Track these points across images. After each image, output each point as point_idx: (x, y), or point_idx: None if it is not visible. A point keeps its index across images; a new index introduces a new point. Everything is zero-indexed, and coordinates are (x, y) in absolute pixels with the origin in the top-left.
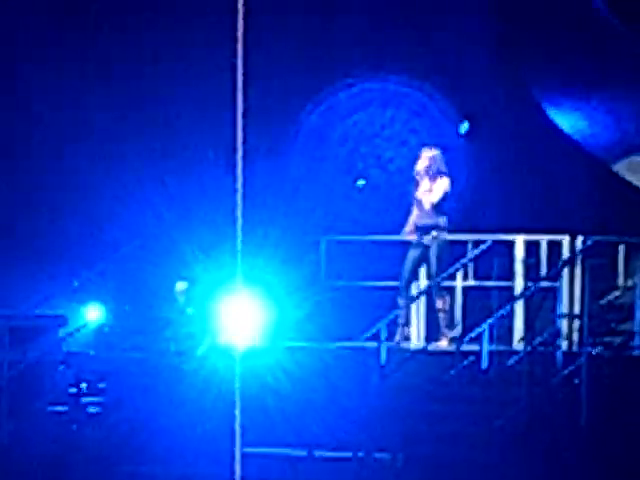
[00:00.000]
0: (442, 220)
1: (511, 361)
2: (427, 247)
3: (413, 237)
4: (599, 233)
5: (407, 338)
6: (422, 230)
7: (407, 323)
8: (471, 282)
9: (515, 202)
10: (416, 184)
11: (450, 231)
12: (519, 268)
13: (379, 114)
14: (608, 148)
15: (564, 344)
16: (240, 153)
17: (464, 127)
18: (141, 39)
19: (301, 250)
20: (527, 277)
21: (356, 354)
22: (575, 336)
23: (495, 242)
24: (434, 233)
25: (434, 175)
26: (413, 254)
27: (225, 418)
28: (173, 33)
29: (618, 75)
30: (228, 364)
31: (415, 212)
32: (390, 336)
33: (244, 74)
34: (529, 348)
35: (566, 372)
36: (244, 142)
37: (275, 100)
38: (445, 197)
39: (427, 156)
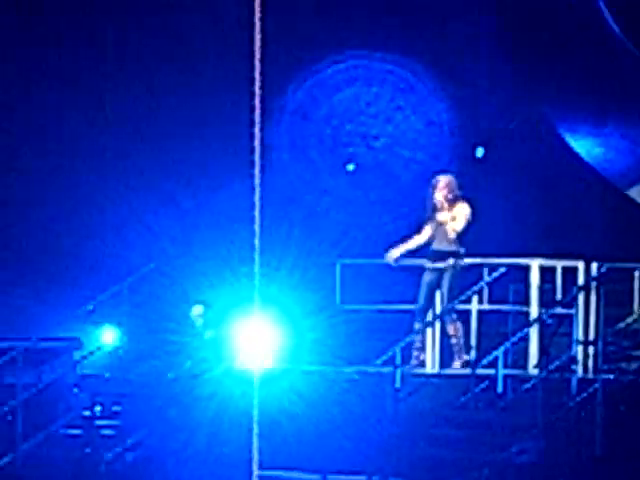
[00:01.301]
0: (461, 248)
1: (526, 386)
2: (443, 272)
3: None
4: (614, 259)
5: (422, 363)
6: (440, 255)
7: (422, 348)
8: (486, 306)
9: (531, 227)
10: (434, 209)
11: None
12: (534, 293)
13: (364, 91)
14: (623, 173)
15: (579, 370)
16: (258, 176)
17: (480, 152)
18: (141, 48)
19: (317, 272)
20: (542, 302)
21: (371, 378)
22: (590, 362)
23: (510, 267)
24: (451, 261)
25: (452, 201)
26: (429, 278)
27: (240, 442)
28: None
29: (633, 100)
30: (244, 388)
31: (424, 236)
32: (405, 360)
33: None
34: (544, 374)
35: (581, 398)
36: (262, 164)
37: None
38: (468, 225)
39: (444, 183)
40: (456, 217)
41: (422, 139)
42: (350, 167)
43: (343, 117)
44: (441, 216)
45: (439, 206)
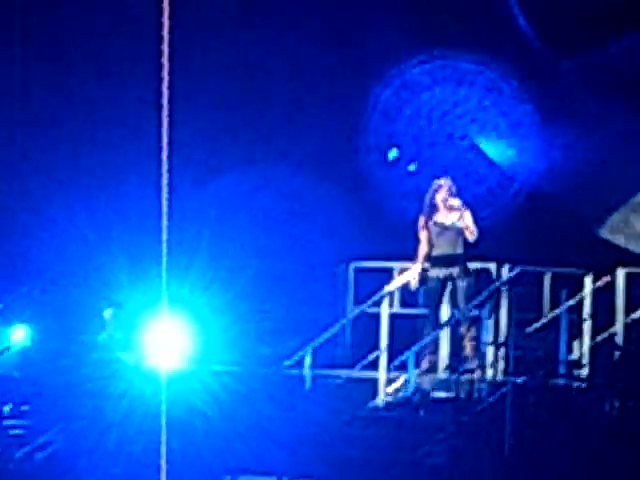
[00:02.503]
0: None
1: (437, 388)
2: (451, 277)
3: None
4: (526, 262)
5: (434, 366)
6: (450, 260)
7: (435, 352)
8: (397, 309)
9: None
10: (431, 214)
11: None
12: (447, 296)
13: (452, 91)
14: (536, 176)
15: (489, 372)
16: (165, 177)
17: (392, 154)
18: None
19: (229, 273)
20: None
21: (282, 379)
22: (500, 364)
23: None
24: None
25: (452, 206)
26: (435, 285)
27: (150, 441)
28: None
29: (547, 104)
30: (154, 387)
31: (430, 240)
32: (316, 361)
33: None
34: (455, 376)
35: (491, 400)
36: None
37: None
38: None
39: (446, 186)
40: (468, 220)
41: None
42: (412, 167)
43: (429, 117)
44: (450, 219)
45: (442, 209)
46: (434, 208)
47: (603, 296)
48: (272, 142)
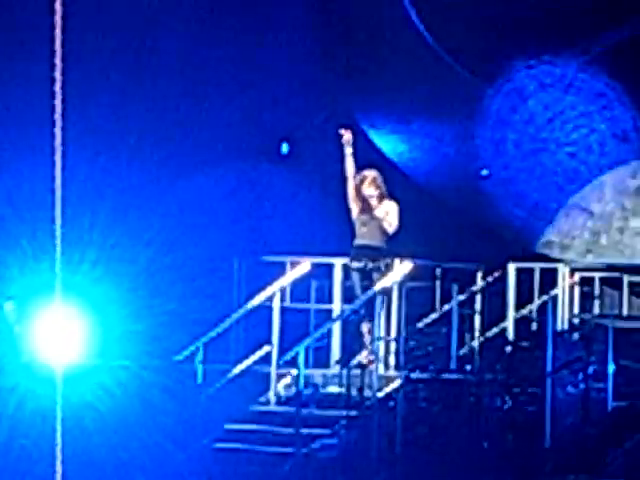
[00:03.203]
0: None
1: (326, 383)
2: (369, 270)
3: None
4: (419, 257)
5: (371, 361)
6: (368, 252)
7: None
8: (289, 303)
9: (341, 225)
10: (363, 207)
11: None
12: (337, 291)
13: (559, 98)
14: (428, 172)
15: (380, 367)
16: (59, 163)
17: (285, 148)
18: None
19: (122, 264)
20: (345, 300)
21: (174, 373)
22: (392, 359)
23: (315, 265)
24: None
25: (380, 196)
26: (360, 277)
27: (43, 435)
28: None
29: (439, 99)
30: (47, 381)
31: (360, 232)
32: (208, 356)
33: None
34: (345, 370)
35: (382, 395)
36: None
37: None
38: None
39: (372, 178)
40: (389, 212)
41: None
42: (484, 172)
43: (539, 123)
44: (378, 211)
45: (371, 201)
46: (362, 200)
47: (494, 291)
48: (165, 139)
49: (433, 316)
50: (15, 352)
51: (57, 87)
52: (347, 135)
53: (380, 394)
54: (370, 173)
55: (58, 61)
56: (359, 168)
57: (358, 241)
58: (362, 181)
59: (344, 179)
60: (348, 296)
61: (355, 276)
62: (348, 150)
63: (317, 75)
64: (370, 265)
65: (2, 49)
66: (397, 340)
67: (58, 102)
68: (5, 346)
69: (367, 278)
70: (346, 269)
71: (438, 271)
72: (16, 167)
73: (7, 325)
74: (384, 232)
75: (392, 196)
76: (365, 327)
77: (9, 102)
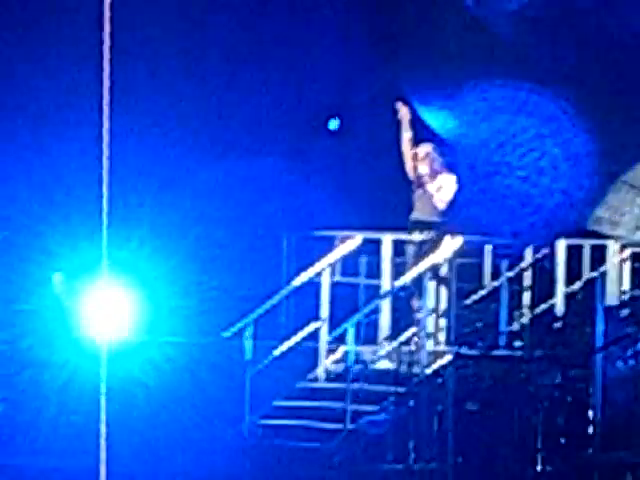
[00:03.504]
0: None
1: (376, 358)
2: (423, 242)
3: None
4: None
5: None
6: (422, 226)
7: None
8: (339, 278)
9: (390, 200)
10: (418, 182)
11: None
12: (386, 267)
13: (510, 121)
14: (476, 147)
15: (429, 343)
16: (106, 143)
17: (334, 123)
18: None
19: (170, 241)
20: (395, 276)
21: (223, 349)
22: (441, 335)
23: (364, 240)
24: (431, 232)
25: (436, 171)
26: (414, 250)
27: (90, 411)
28: None
29: (487, 74)
30: (95, 358)
31: (416, 207)
32: (259, 333)
33: None
34: (396, 346)
35: (431, 371)
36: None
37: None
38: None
39: (425, 153)
40: (442, 187)
41: (562, 168)
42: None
43: (490, 147)
44: (430, 187)
45: (426, 177)
46: (418, 176)
47: (543, 268)
48: (213, 117)
49: (482, 292)
50: (65, 327)
51: (106, 72)
52: (404, 109)
53: (429, 370)
54: (422, 149)
55: (107, 48)
56: (417, 142)
57: (413, 215)
58: (415, 157)
59: (400, 153)
60: (400, 271)
61: (409, 249)
62: (405, 125)
63: (365, 50)
64: (421, 239)
65: (53, 41)
66: (447, 316)
67: (106, 85)
68: (55, 321)
69: (420, 252)
70: (396, 244)
71: (488, 248)
72: (65, 145)
73: (57, 301)
74: (436, 207)
75: (451, 169)
76: (416, 303)
77: (58, 83)
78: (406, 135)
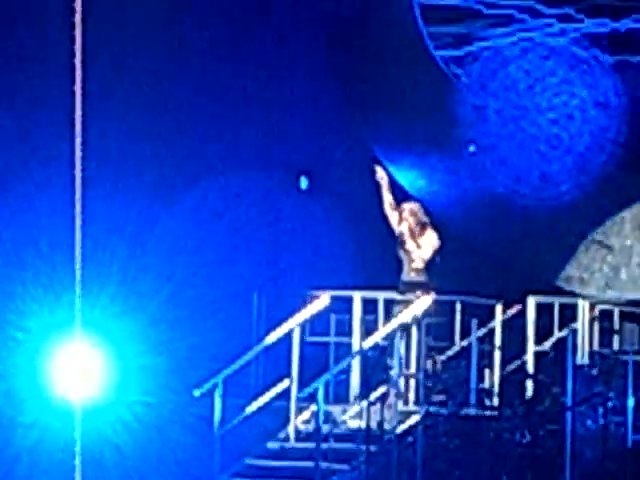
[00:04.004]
0: (429, 278)
1: (347, 418)
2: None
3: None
4: (437, 292)
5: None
6: (408, 287)
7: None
8: (309, 338)
9: (360, 259)
10: (401, 243)
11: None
12: (356, 325)
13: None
14: (446, 206)
15: (399, 402)
16: (78, 199)
17: (304, 183)
18: None
19: (141, 298)
20: (365, 334)
21: (193, 408)
22: (411, 394)
23: (334, 298)
24: (419, 293)
25: (419, 229)
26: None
27: (62, 472)
28: None
29: (457, 129)
30: (65, 417)
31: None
32: (228, 390)
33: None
34: (365, 405)
35: (402, 430)
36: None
37: None
38: (435, 252)
39: (409, 212)
40: (422, 245)
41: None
42: (471, 149)
43: (517, 90)
44: (409, 245)
45: (406, 236)
46: (400, 235)
47: (514, 325)
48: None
49: (453, 350)
50: (34, 387)
51: (77, 124)
52: (381, 172)
53: (399, 429)
54: (407, 206)
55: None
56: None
57: (402, 276)
58: (400, 216)
59: (376, 214)
60: (371, 329)
61: (395, 309)
62: (385, 187)
63: (334, 110)
64: (399, 299)
65: (22, 78)
66: (417, 374)
67: (78, 144)
68: (24, 381)
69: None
70: (365, 302)
71: (458, 306)
72: (35, 204)
73: (26, 360)
74: (416, 267)
75: (429, 224)
76: (389, 361)
77: (30, 145)
78: (387, 197)
